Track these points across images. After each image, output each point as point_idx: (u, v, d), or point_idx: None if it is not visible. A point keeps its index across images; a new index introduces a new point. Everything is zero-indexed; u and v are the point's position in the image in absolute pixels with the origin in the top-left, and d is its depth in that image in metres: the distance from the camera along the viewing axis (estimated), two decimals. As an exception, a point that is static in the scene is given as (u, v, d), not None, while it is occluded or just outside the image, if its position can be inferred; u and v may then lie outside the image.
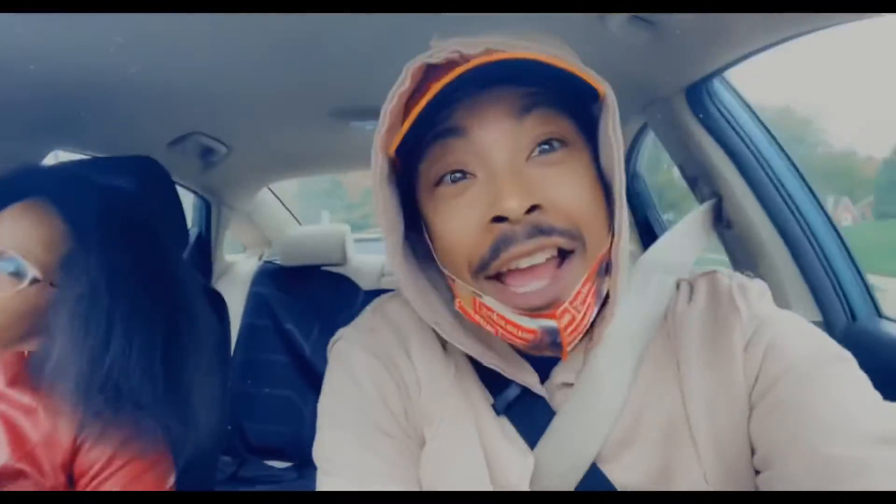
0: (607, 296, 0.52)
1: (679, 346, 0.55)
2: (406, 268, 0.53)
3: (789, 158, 0.90)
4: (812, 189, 0.91)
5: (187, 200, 1.89)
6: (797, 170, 0.89)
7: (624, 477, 0.53)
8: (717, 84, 0.89)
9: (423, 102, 0.45)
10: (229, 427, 1.84)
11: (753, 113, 0.90)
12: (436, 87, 0.44)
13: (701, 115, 0.88)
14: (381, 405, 0.57)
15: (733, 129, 0.87)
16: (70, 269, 0.72)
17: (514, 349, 0.56)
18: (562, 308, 0.47)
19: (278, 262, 2.09)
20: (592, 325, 0.53)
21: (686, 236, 0.77)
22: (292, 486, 1.74)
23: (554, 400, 0.56)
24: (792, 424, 0.46)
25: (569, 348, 0.49)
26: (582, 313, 0.49)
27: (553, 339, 0.48)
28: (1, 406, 0.72)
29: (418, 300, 0.54)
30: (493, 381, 0.57)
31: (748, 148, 0.87)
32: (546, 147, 0.48)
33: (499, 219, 0.46)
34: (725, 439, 0.51)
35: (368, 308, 0.64)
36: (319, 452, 0.57)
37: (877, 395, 0.47)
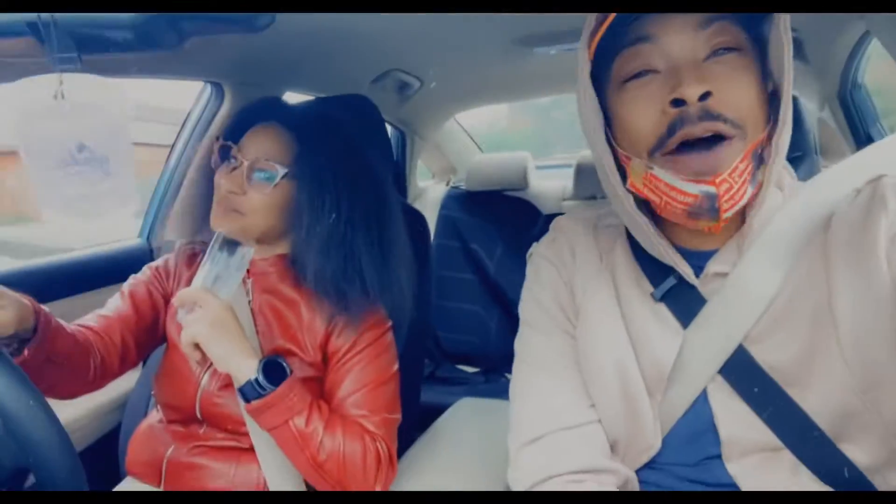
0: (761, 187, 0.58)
1: (831, 243, 0.58)
2: (603, 149, 0.62)
3: None
4: None
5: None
6: None
7: (769, 357, 0.59)
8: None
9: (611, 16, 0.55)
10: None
11: None
12: None
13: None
14: (559, 308, 0.71)
15: None
16: (303, 169, 0.88)
17: (672, 245, 0.63)
18: (721, 177, 0.54)
19: (464, 188, 2.24)
20: (746, 215, 0.60)
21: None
22: (480, 388, 1.95)
23: (706, 289, 0.63)
24: None
25: (725, 215, 0.56)
26: (738, 185, 0.55)
27: (711, 205, 0.55)
28: (274, 300, 0.93)
29: (606, 182, 0.63)
30: (651, 275, 0.66)
31: None
32: (722, 51, 0.56)
33: (677, 102, 0.55)
34: (868, 329, 0.54)
35: (550, 226, 0.78)
36: (518, 343, 0.74)
37: None
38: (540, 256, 0.75)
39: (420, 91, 1.78)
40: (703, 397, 0.62)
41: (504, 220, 2.15)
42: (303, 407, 0.80)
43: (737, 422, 0.60)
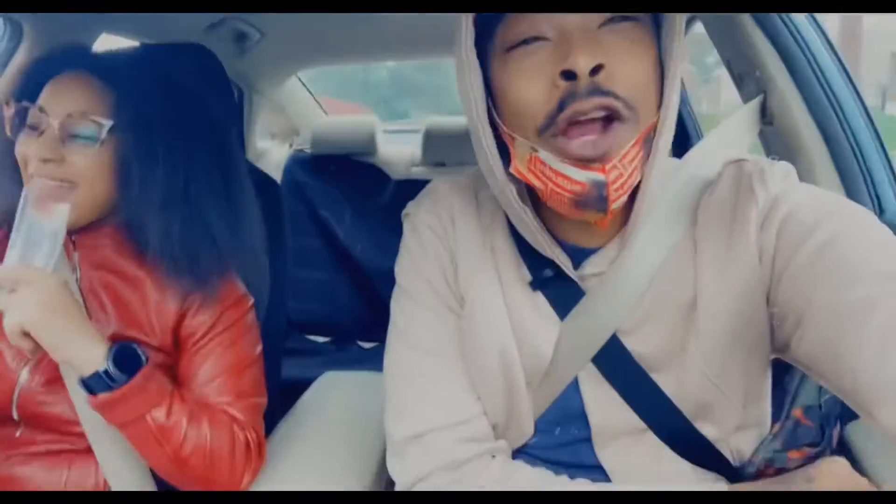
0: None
1: (698, 233, 0.59)
2: (484, 127, 0.57)
3: (837, 56, 0.91)
4: (856, 86, 0.93)
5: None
6: (843, 67, 0.91)
7: (638, 346, 0.60)
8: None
9: None
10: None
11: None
12: None
13: (757, 14, 0.88)
14: (444, 282, 0.66)
15: (787, 27, 0.88)
16: (127, 117, 0.75)
17: (553, 238, 0.61)
18: (611, 164, 0.51)
19: (309, 151, 2.14)
20: (629, 210, 0.57)
21: (733, 133, 0.79)
22: (334, 358, 1.91)
23: (584, 283, 0.62)
24: (818, 281, 0.49)
25: (613, 206, 0.53)
26: (628, 173, 0.52)
27: (599, 193, 0.52)
28: (109, 277, 0.80)
29: (485, 164, 0.59)
30: (530, 264, 0.63)
31: (798, 46, 0.88)
32: (618, 19, 0.52)
33: (567, 74, 0.50)
34: (730, 316, 0.56)
35: (428, 187, 0.72)
36: (395, 312, 0.68)
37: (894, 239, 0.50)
38: (422, 223, 0.68)
39: (260, 44, 1.63)
40: (573, 384, 0.63)
41: (352, 186, 2.09)
42: (162, 398, 0.71)
43: (605, 408, 0.62)
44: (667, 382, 0.60)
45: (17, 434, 0.76)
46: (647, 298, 0.60)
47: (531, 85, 0.53)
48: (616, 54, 0.51)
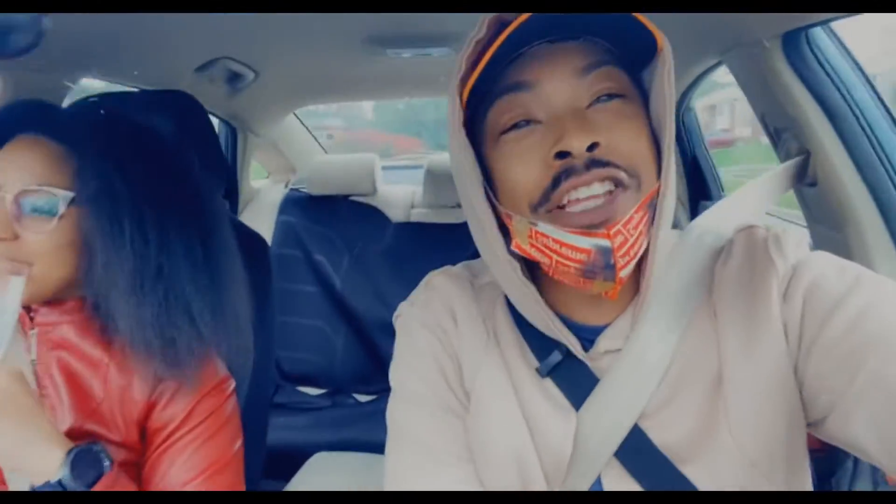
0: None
1: (717, 304, 0.56)
2: (483, 208, 0.55)
3: (889, 111, 0.82)
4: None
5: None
6: None
7: (662, 433, 0.55)
8: (818, 32, 0.80)
9: (491, 51, 0.49)
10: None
11: (856, 64, 0.81)
12: (504, 35, 0.48)
13: (797, 65, 0.79)
14: (444, 383, 0.62)
15: (832, 80, 0.79)
16: (89, 185, 0.67)
17: (559, 318, 0.57)
18: (615, 228, 0.49)
19: (304, 190, 2.05)
20: (637, 282, 0.55)
21: (759, 194, 0.75)
22: (326, 412, 1.79)
23: (598, 365, 0.57)
24: (857, 356, 0.47)
25: (622, 273, 0.50)
26: (634, 238, 0.50)
27: (606, 261, 0.49)
28: (70, 359, 0.70)
29: (485, 245, 0.57)
30: (536, 348, 0.60)
31: (846, 101, 0.79)
32: (605, 98, 0.52)
33: (561, 154, 0.50)
34: (761, 393, 0.52)
35: (421, 284, 0.68)
36: (392, 419, 0.63)
37: None
38: (415, 321, 0.64)
39: (255, 83, 1.56)
40: (596, 483, 0.57)
41: (350, 229, 2.00)
42: None
43: None
44: (700, 475, 0.54)
45: None
46: (668, 377, 0.55)
47: (525, 166, 0.52)
48: (609, 130, 0.50)
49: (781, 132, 0.86)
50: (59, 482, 0.59)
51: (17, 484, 0.64)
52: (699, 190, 1.59)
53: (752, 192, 0.74)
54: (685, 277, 0.58)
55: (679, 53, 0.54)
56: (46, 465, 0.59)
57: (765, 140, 0.96)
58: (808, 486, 0.57)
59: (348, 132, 3.68)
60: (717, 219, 0.63)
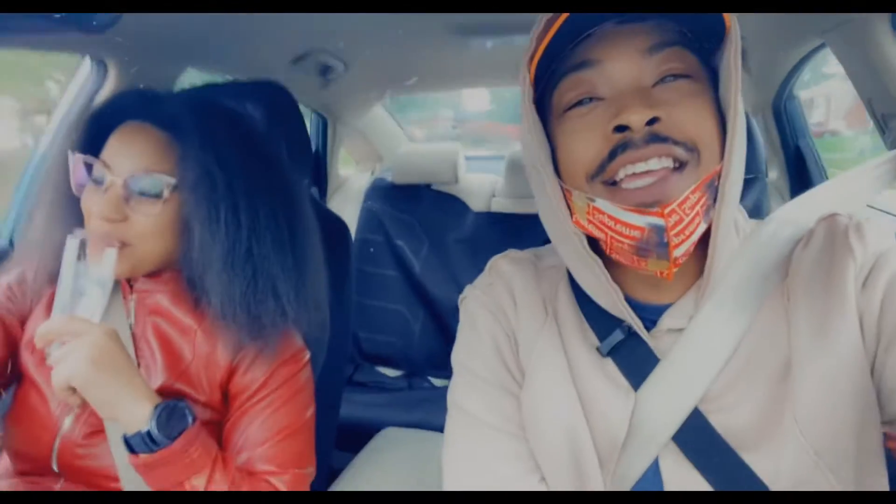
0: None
1: (791, 290, 0.54)
2: (551, 183, 0.55)
3: None
4: None
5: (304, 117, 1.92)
6: None
7: (724, 418, 0.54)
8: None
9: (556, 26, 0.49)
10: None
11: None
12: (564, 16, 0.48)
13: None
14: (501, 363, 0.63)
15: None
16: (191, 174, 0.72)
17: (624, 296, 0.56)
18: (670, 207, 0.48)
19: (389, 179, 2.11)
20: (702, 264, 0.54)
21: (856, 186, 0.69)
22: (401, 394, 1.85)
23: (660, 345, 0.57)
24: None
25: (675, 252, 0.50)
26: (689, 218, 0.49)
27: (660, 239, 0.49)
28: (164, 324, 0.77)
29: (552, 219, 0.58)
30: (597, 328, 0.60)
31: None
32: (671, 78, 0.52)
33: (620, 128, 0.50)
34: (831, 383, 0.50)
35: (486, 268, 0.70)
36: (453, 397, 0.65)
37: None
38: (477, 303, 0.66)
39: (345, 75, 1.62)
40: (654, 466, 0.56)
41: (431, 216, 2.04)
42: (204, 464, 0.67)
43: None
44: (761, 463, 0.52)
45: (57, 487, 0.75)
46: (733, 361, 0.54)
47: (585, 140, 0.53)
48: (672, 107, 0.50)
49: (890, 118, 0.79)
50: (148, 432, 0.64)
51: (113, 432, 0.71)
52: (802, 181, 1.48)
53: (848, 183, 0.69)
54: (759, 264, 0.56)
55: (778, 34, 0.52)
56: (137, 416, 0.65)
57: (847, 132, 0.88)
58: (883, 487, 0.54)
59: (465, 123, 3.69)
60: (803, 209, 0.61)
